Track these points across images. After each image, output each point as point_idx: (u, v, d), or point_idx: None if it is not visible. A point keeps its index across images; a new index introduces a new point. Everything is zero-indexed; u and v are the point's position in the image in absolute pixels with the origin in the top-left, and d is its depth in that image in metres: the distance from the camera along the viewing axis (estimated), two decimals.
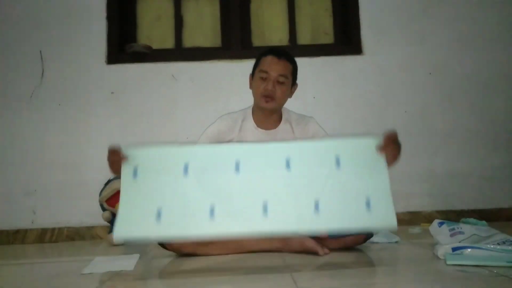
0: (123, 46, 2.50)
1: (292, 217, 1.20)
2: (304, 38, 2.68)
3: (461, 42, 2.47)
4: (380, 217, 1.20)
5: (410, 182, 2.35)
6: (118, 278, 1.23)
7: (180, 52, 2.59)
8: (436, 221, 1.43)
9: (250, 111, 1.71)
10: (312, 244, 1.41)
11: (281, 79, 1.59)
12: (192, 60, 2.47)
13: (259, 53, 1.68)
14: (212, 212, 1.20)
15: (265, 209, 1.20)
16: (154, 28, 2.68)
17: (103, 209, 2.15)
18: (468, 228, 1.34)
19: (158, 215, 1.20)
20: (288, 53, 1.66)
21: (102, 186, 2.18)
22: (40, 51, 2.43)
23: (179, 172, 1.24)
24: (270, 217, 1.19)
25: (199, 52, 2.58)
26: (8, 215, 2.32)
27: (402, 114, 2.43)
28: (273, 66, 1.58)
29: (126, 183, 1.24)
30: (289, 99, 1.72)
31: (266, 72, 1.58)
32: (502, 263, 1.12)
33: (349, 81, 2.46)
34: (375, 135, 1.30)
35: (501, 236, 1.27)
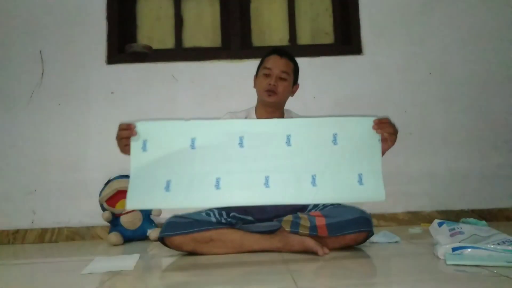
0: (123, 46, 2.50)
1: (292, 189, 1.31)
2: (304, 38, 2.68)
3: (461, 42, 2.47)
4: (370, 191, 1.33)
5: (410, 182, 2.36)
6: (118, 278, 1.23)
7: (180, 52, 2.59)
8: (436, 221, 1.43)
9: (253, 110, 1.79)
10: (312, 244, 1.41)
11: (283, 75, 1.69)
12: (192, 60, 2.47)
13: (264, 55, 1.77)
14: (217, 184, 1.29)
15: (266, 182, 1.30)
16: (154, 28, 2.68)
17: (103, 209, 2.15)
18: (468, 228, 1.34)
19: (167, 186, 1.28)
20: (290, 53, 1.77)
21: (102, 186, 2.18)
22: (40, 51, 2.43)
23: (187, 146, 1.31)
24: (271, 189, 1.30)
25: (199, 52, 2.58)
26: (8, 215, 2.32)
27: (402, 114, 2.43)
28: (276, 63, 1.70)
29: (135, 156, 1.30)
30: (289, 99, 1.79)
31: (269, 69, 1.70)
32: (502, 263, 1.12)
33: (349, 81, 2.46)
34: (372, 115, 1.38)
35: (501, 236, 1.27)
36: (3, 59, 2.42)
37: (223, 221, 1.58)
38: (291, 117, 1.78)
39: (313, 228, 1.44)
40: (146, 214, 2.19)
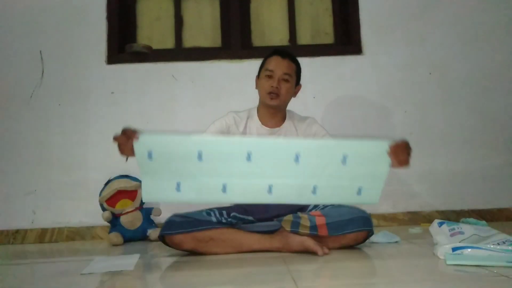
0: (123, 46, 2.50)
1: (293, 196, 1.40)
2: (304, 38, 2.68)
3: (461, 42, 2.47)
4: (366, 199, 1.42)
5: (410, 182, 2.36)
6: (118, 278, 1.23)
7: (180, 52, 2.59)
8: (436, 221, 1.43)
9: (255, 110, 1.79)
10: (312, 244, 1.41)
11: (286, 77, 1.69)
12: (192, 60, 2.47)
13: (265, 55, 1.77)
14: (224, 188, 1.36)
15: (270, 189, 1.37)
16: (154, 28, 2.68)
17: (103, 209, 2.15)
18: (468, 228, 1.34)
19: (178, 187, 1.35)
20: (292, 54, 1.76)
21: (102, 186, 2.18)
22: (40, 51, 2.43)
23: (194, 157, 1.32)
24: (274, 195, 1.38)
25: (199, 52, 2.58)
26: (8, 215, 2.32)
27: (402, 114, 2.43)
28: (278, 65, 1.69)
29: (143, 162, 1.32)
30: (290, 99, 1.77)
31: (271, 70, 1.69)
32: (502, 263, 1.12)
33: (349, 81, 2.46)
34: (387, 139, 1.37)
35: (501, 236, 1.27)
36: (3, 59, 2.42)
37: (224, 220, 1.58)
38: (293, 118, 1.79)
39: (313, 227, 1.45)
40: (146, 214, 2.19)
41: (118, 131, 2.39)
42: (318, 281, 1.13)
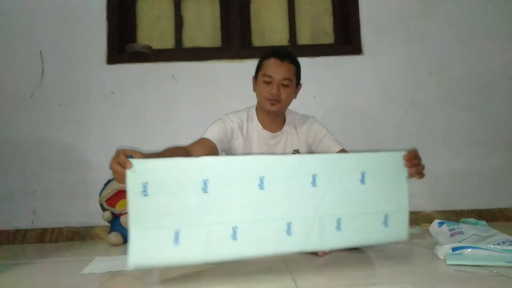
0: (123, 46, 2.50)
1: (315, 236, 1.20)
2: (304, 38, 2.68)
3: (461, 42, 2.47)
4: (394, 232, 1.28)
5: (410, 182, 2.34)
6: (118, 278, 1.23)
7: (180, 52, 2.59)
8: (436, 221, 1.43)
9: (254, 112, 1.73)
10: None
11: (285, 82, 1.61)
12: (192, 60, 2.47)
13: (262, 56, 1.68)
14: (234, 234, 1.14)
15: (288, 229, 1.18)
16: (154, 28, 2.68)
17: (103, 209, 2.15)
18: (468, 228, 1.34)
19: (176, 238, 1.09)
20: (291, 53, 1.67)
21: (102, 186, 2.18)
22: (40, 51, 2.43)
23: (198, 189, 1.12)
24: (294, 237, 1.18)
25: (199, 52, 2.58)
26: (8, 215, 2.32)
27: (402, 114, 2.43)
28: (277, 70, 1.60)
29: (134, 202, 1.08)
30: None
31: (269, 76, 1.60)
32: (502, 263, 1.13)
33: (349, 81, 2.46)
34: (400, 150, 1.33)
35: (501, 236, 1.27)
36: (3, 59, 2.42)
37: None
38: (294, 119, 1.74)
39: None
40: None
41: (118, 131, 2.37)
42: (318, 281, 1.12)
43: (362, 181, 1.26)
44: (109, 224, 2.16)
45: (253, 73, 1.78)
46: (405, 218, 1.28)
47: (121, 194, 2.13)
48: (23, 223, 2.32)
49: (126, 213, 2.12)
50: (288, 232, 1.17)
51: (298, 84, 1.71)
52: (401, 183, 1.31)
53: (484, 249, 1.20)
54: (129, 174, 1.08)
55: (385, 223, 1.26)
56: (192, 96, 2.44)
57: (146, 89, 2.44)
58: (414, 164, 1.31)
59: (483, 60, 2.46)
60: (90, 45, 2.45)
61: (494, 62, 2.46)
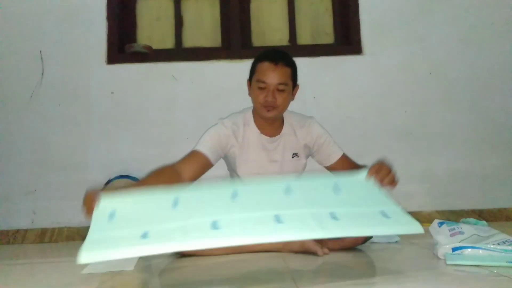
0: (123, 46, 2.50)
1: (313, 223, 1.04)
2: (304, 38, 2.68)
3: (461, 42, 2.47)
4: (402, 223, 1.11)
5: (410, 182, 2.35)
6: (118, 278, 1.23)
7: (180, 52, 2.59)
8: (436, 221, 1.43)
9: (250, 115, 1.68)
10: (311, 245, 1.41)
11: (281, 87, 1.53)
12: (192, 60, 2.47)
13: (255, 58, 1.61)
14: (214, 225, 1.01)
15: (278, 218, 1.04)
16: (154, 28, 2.68)
17: None
18: (468, 228, 1.34)
19: (144, 234, 1.00)
20: (285, 55, 1.58)
21: (102, 186, 2.18)
22: (40, 51, 2.43)
23: (168, 207, 1.09)
24: (286, 225, 1.03)
25: (199, 52, 2.58)
26: (8, 215, 2.32)
27: (402, 114, 2.43)
28: (271, 75, 1.51)
29: (97, 224, 1.10)
30: None
31: (264, 82, 1.52)
32: (502, 263, 1.12)
33: (349, 81, 2.46)
34: (364, 168, 1.30)
35: (501, 236, 1.26)
36: (3, 59, 2.42)
37: None
38: (292, 122, 1.69)
39: None
40: None
41: (118, 131, 2.38)
42: (318, 281, 1.12)
43: (336, 189, 1.20)
44: None
45: None
46: (404, 212, 1.14)
47: None
48: (23, 223, 2.32)
49: None
50: (278, 220, 1.03)
51: (295, 86, 1.63)
52: (379, 197, 1.21)
53: (484, 249, 1.20)
54: (96, 210, 1.12)
55: (384, 215, 1.10)
56: (192, 96, 2.44)
57: (146, 89, 2.44)
58: (382, 176, 1.26)
59: (483, 60, 2.46)
60: (90, 45, 2.45)
61: (494, 62, 2.46)
